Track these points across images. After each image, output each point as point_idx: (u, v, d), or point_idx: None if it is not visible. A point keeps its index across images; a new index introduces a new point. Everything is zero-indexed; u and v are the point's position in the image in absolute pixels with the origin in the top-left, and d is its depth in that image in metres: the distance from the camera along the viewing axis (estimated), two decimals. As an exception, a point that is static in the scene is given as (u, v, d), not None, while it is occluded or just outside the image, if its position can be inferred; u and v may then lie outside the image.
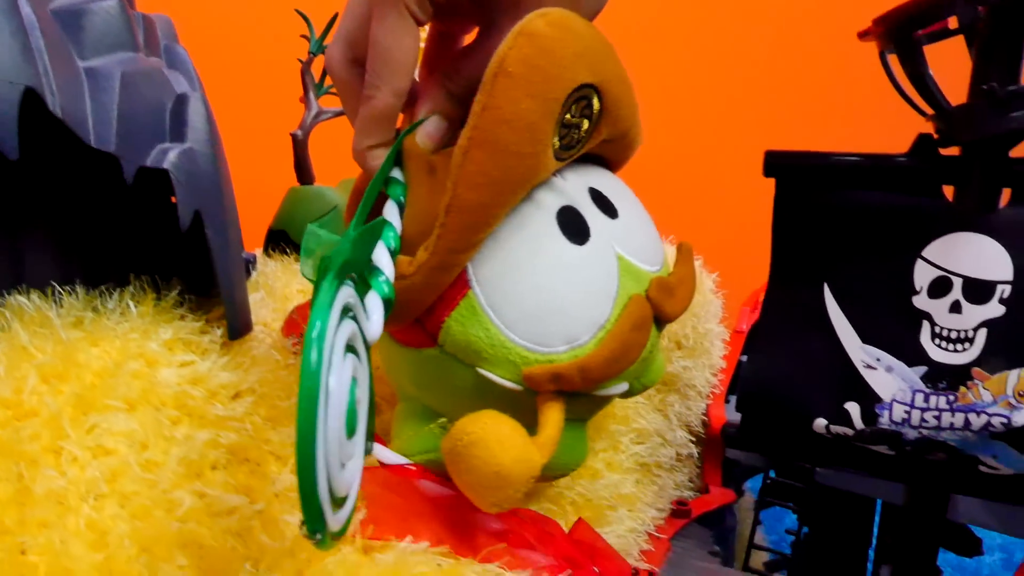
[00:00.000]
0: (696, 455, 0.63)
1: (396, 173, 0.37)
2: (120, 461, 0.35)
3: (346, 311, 0.26)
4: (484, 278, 0.35)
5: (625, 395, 0.44)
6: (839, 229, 0.45)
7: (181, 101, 0.40)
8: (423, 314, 0.36)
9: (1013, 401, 0.41)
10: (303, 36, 0.71)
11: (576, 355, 0.35)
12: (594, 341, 0.35)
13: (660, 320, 0.38)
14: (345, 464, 0.26)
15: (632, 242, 0.39)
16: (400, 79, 0.36)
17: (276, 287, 0.61)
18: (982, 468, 0.43)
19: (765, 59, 1.21)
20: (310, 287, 0.36)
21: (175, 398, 0.39)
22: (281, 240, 0.68)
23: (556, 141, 0.36)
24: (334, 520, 0.24)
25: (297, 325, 0.47)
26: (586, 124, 0.37)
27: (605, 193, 0.40)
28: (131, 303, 0.42)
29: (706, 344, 0.61)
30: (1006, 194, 0.42)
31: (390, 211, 0.35)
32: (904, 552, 0.46)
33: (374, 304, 0.30)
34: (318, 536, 0.23)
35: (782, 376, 0.46)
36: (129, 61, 0.40)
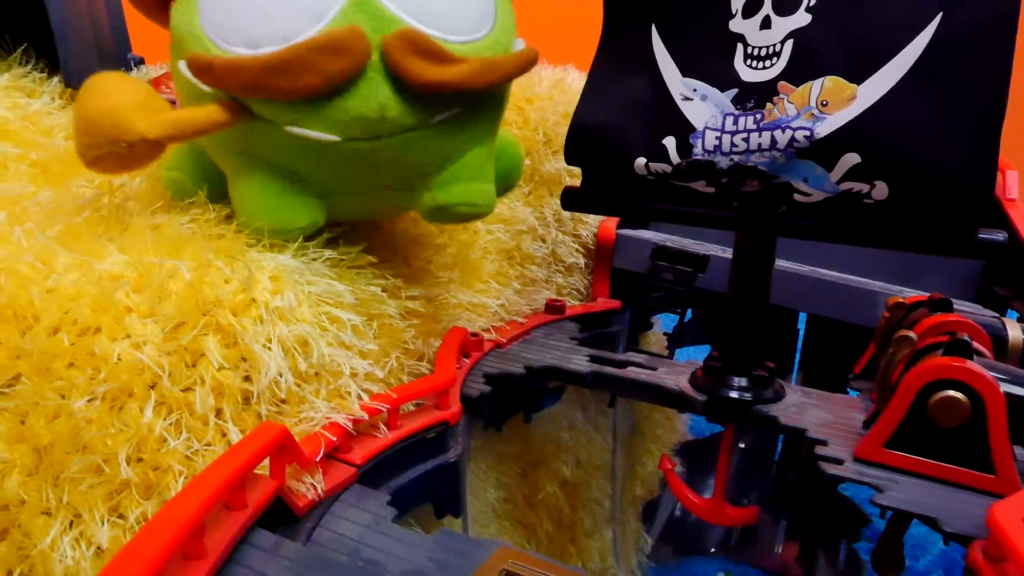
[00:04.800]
0: (583, 265, 0.63)
1: None
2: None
3: None
4: None
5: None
6: (664, -37, 0.44)
7: None
8: None
9: (816, 111, 0.39)
10: None
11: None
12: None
13: (407, 81, 0.33)
14: None
15: None
16: None
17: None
18: (797, 196, 0.41)
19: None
20: None
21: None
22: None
23: None
24: None
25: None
26: None
27: None
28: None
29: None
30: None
31: None
32: (740, 318, 0.45)
33: None
34: None
35: (607, 120, 0.45)
36: None
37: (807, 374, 0.75)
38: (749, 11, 0.41)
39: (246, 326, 0.32)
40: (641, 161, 0.44)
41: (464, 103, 0.37)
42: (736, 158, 0.41)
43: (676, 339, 0.61)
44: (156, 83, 0.51)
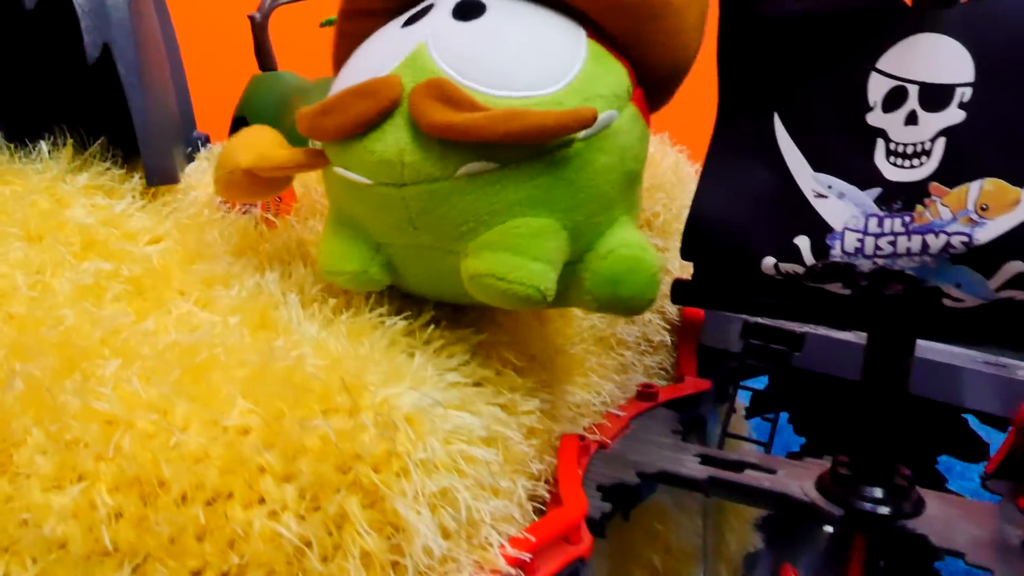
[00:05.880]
0: (670, 343, 0.60)
1: None
2: (9, 284, 0.35)
3: None
4: None
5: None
6: (788, 48, 0.41)
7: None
8: None
9: (974, 216, 0.36)
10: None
11: None
12: None
13: (419, 124, 0.33)
14: None
15: (460, 47, 0.35)
16: None
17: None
18: (946, 301, 0.38)
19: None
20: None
21: (82, 234, 0.40)
22: (244, 127, 0.68)
23: None
24: None
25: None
26: None
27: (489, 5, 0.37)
28: (46, 149, 0.42)
29: (678, 224, 0.57)
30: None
31: None
32: (874, 422, 0.42)
33: None
34: None
35: (728, 215, 0.42)
36: None
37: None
38: (891, 104, 0.38)
39: (390, 484, 0.29)
40: (770, 261, 0.41)
41: (501, 159, 0.34)
42: (880, 262, 0.38)
43: (768, 411, 0.59)
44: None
